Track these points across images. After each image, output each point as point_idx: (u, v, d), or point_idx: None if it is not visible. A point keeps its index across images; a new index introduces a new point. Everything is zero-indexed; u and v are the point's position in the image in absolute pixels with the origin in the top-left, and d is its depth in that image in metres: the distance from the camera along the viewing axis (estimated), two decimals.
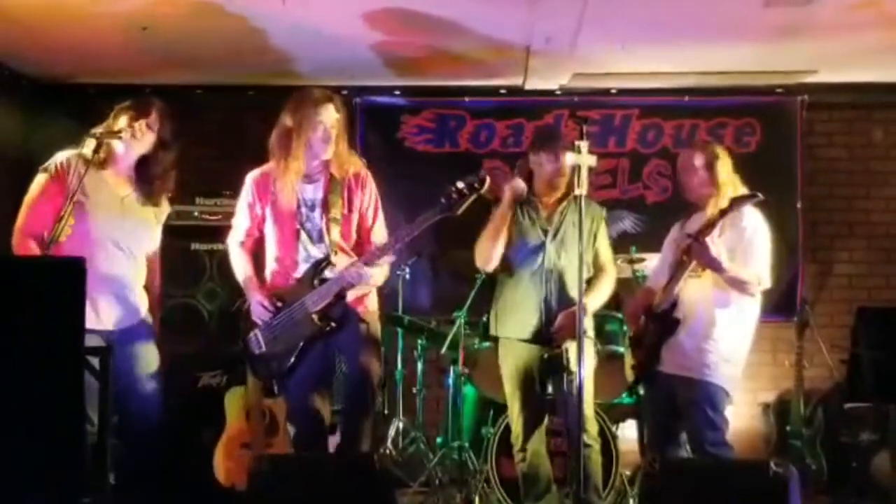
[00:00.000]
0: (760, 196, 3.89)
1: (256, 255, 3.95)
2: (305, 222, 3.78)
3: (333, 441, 4.28)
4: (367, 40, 5.02)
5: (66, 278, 2.84)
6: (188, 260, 5.20)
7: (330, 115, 3.73)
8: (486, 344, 4.97)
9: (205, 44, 5.05)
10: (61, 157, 3.76)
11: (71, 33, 4.87)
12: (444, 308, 5.46)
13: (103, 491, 3.43)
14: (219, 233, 5.23)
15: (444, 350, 5.21)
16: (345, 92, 5.67)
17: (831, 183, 6.21)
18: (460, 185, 3.52)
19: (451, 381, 5.28)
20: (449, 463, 5.17)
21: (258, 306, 3.80)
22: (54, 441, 2.70)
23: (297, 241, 3.78)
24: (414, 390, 5.47)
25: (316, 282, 3.71)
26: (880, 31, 4.80)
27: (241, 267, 3.92)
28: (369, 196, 3.86)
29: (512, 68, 5.60)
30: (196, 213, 5.28)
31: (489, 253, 4.15)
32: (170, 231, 4.46)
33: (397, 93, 5.97)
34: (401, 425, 5.49)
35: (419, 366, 5.48)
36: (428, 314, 5.64)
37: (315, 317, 3.70)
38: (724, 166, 4.01)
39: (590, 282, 4.18)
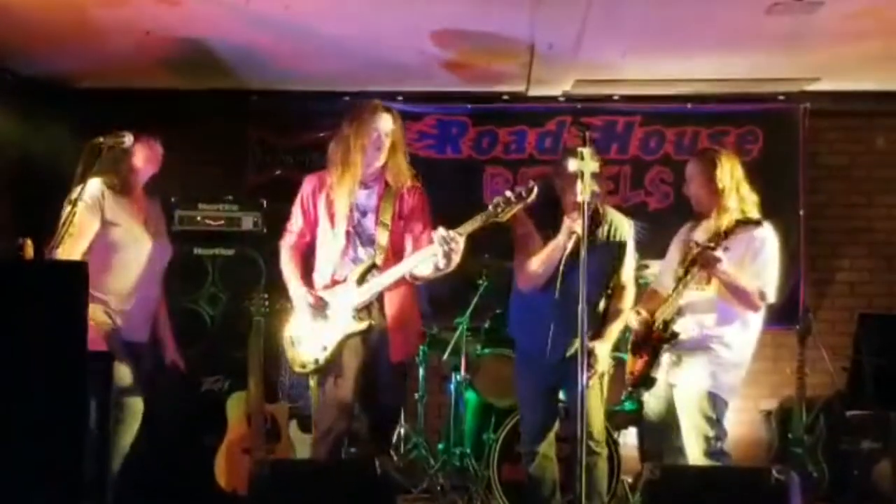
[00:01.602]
0: (763, 224, 3.91)
1: (307, 255, 4.05)
2: (357, 226, 3.88)
3: None
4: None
5: (69, 281, 2.85)
6: (190, 265, 5.19)
7: (385, 124, 3.83)
8: (488, 350, 4.96)
9: (203, 47, 5.06)
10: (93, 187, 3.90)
11: (73, 36, 4.87)
12: (446, 314, 5.46)
13: (103, 494, 3.44)
14: (221, 238, 5.28)
15: (445, 356, 5.21)
16: (346, 98, 5.68)
17: (833, 190, 6.21)
18: (509, 193, 3.63)
19: (452, 387, 5.28)
20: (450, 469, 5.17)
21: (303, 302, 3.89)
22: (55, 442, 2.70)
23: (348, 243, 3.88)
24: (415, 396, 5.45)
25: (359, 283, 3.81)
26: (882, 40, 4.81)
27: (287, 265, 4.01)
28: (420, 207, 3.95)
29: (515, 75, 5.60)
30: (198, 219, 5.29)
31: (536, 279, 4.08)
32: (172, 236, 4.47)
33: (399, 98, 5.97)
34: (402, 431, 5.47)
35: (420, 371, 5.47)
36: (429, 320, 5.63)
37: (354, 314, 3.80)
38: (726, 173, 3.98)
39: (609, 300, 4.16)
